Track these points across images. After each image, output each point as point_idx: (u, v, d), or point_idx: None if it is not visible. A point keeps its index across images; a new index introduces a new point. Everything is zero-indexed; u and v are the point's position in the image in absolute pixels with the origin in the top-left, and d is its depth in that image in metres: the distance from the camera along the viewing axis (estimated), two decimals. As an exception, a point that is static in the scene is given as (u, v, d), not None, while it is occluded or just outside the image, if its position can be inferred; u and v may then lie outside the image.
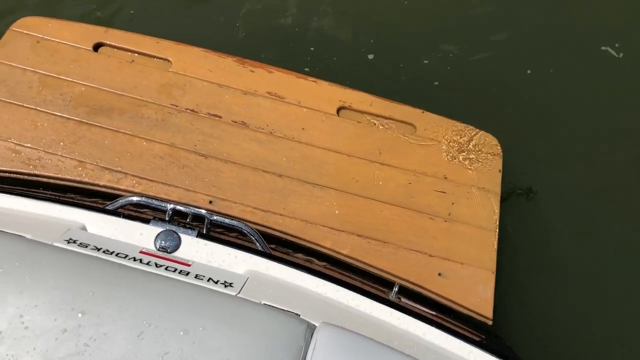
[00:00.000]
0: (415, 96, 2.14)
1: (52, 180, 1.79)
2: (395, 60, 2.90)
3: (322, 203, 1.85)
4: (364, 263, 1.77)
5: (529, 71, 2.92)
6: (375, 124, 2.04)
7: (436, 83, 2.82)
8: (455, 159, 2.01)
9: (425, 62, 2.89)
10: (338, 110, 2.04)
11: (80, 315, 1.08)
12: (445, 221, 1.89)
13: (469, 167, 2.01)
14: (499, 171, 2.04)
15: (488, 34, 3.03)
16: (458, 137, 2.05)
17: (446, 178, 1.97)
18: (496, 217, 1.94)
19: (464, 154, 2.03)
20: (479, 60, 2.94)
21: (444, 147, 2.03)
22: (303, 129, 1.98)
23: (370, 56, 2.89)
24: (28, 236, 1.24)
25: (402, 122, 2.06)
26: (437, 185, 1.95)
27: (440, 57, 2.92)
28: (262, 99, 2.02)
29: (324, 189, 1.88)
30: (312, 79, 2.08)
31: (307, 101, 2.03)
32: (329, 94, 2.06)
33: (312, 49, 2.87)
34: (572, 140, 2.72)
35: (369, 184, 1.91)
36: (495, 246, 1.88)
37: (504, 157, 2.06)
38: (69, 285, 1.11)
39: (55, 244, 1.25)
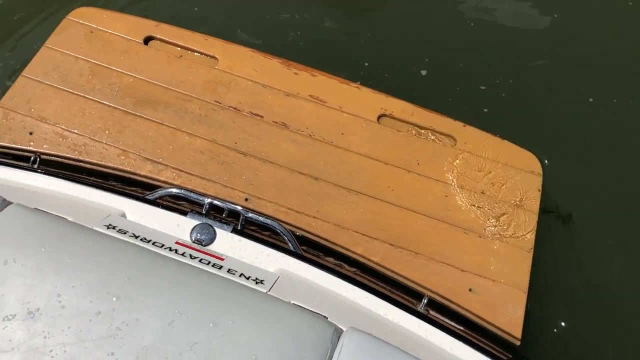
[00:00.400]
0: (462, 118, 2.11)
1: (95, 167, 1.84)
2: (450, 80, 2.88)
3: (356, 209, 1.85)
4: (394, 272, 1.76)
5: (590, 99, 2.86)
6: (415, 134, 2.03)
7: (486, 110, 2.79)
8: (494, 174, 1.99)
9: (482, 87, 2.86)
10: (379, 118, 2.04)
11: (114, 299, 1.10)
12: (480, 237, 1.87)
13: (508, 184, 1.98)
14: (538, 190, 2.00)
15: (547, 65, 2.98)
16: (498, 153, 2.03)
17: (484, 193, 1.95)
18: (532, 237, 1.90)
19: (503, 170, 2.00)
20: (535, 89, 2.89)
21: (483, 162, 2.00)
22: (342, 133, 1.98)
23: (424, 72, 2.87)
24: (70, 219, 1.27)
25: (442, 134, 2.05)
26: (474, 200, 1.93)
27: (498, 84, 2.89)
28: (304, 102, 2.03)
29: (359, 195, 1.88)
30: (354, 85, 2.09)
31: (348, 106, 2.04)
32: (370, 100, 2.06)
33: (366, 64, 2.87)
34: (616, 167, 2.66)
35: (404, 193, 1.90)
36: (529, 266, 1.85)
37: (544, 177, 2.03)
38: (106, 269, 1.14)
39: (95, 228, 1.28)
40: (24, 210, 1.23)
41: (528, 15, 3.14)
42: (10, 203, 1.26)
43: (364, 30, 3.01)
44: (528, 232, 1.91)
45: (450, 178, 1.96)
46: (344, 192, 1.87)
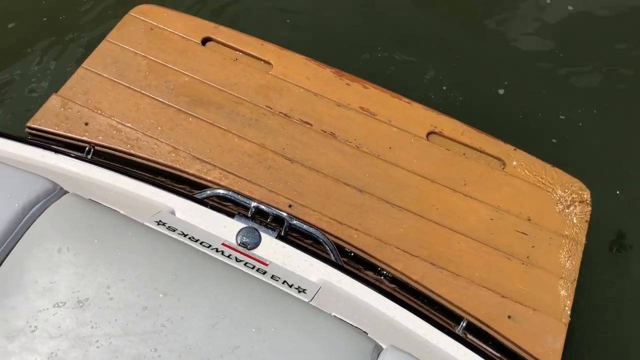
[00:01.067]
0: (530, 145, 2.10)
1: (145, 162, 1.87)
2: (527, 105, 2.84)
3: (399, 225, 1.84)
4: (433, 292, 1.74)
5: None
6: (464, 154, 2.01)
7: (554, 140, 2.75)
8: (542, 201, 1.95)
9: (562, 117, 2.82)
10: (428, 135, 2.02)
11: (161, 295, 1.12)
12: (523, 263, 1.83)
13: (556, 212, 1.94)
14: (586, 221, 1.95)
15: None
16: (548, 180, 1.99)
17: (530, 220, 1.91)
18: (577, 268, 1.86)
19: (552, 198, 1.96)
20: (613, 124, 2.84)
21: (532, 189, 1.97)
22: (390, 147, 1.97)
23: (501, 91, 2.84)
24: (122, 212, 1.30)
25: (492, 156, 2.02)
26: (519, 226, 1.89)
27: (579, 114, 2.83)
28: (354, 113, 2.03)
29: (403, 210, 1.87)
30: (406, 99, 2.08)
31: (398, 121, 2.03)
32: (421, 116, 2.05)
33: (444, 87, 2.86)
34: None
35: (449, 213, 1.88)
36: (572, 297, 1.81)
37: (593, 208, 1.98)
38: (155, 265, 1.16)
39: (146, 223, 1.30)
40: (80, 201, 1.26)
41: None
42: (66, 192, 1.30)
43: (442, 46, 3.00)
44: (573, 263, 1.86)
45: (497, 201, 1.93)
46: (388, 206, 1.86)
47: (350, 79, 2.10)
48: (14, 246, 1.18)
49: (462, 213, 1.89)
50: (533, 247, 1.86)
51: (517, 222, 1.90)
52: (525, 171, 2.00)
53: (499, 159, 2.02)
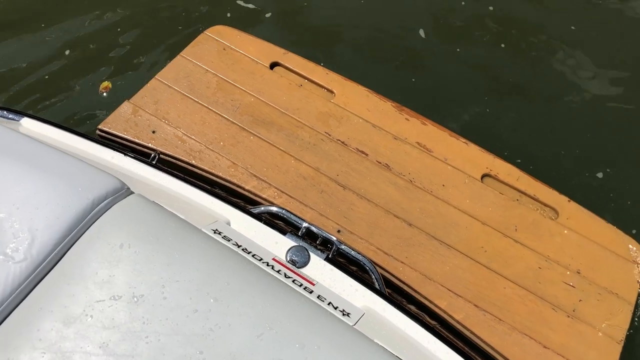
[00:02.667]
0: (586, 199, 2.08)
1: (204, 174, 1.94)
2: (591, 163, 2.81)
3: (446, 262, 1.83)
4: (475, 334, 1.72)
5: None
6: (517, 200, 1.99)
7: (611, 195, 2.70)
8: (593, 256, 1.91)
9: (622, 174, 2.79)
10: (482, 177, 2.02)
11: (212, 300, 1.15)
12: (568, 316, 1.79)
13: (606, 268, 1.89)
14: (638, 282, 1.90)
15: None
16: (601, 236, 1.95)
17: (579, 273, 1.87)
18: (625, 327, 1.80)
19: (603, 253, 1.92)
20: None
21: (584, 242, 1.93)
22: (443, 185, 1.98)
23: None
24: (182, 216, 1.35)
25: (545, 205, 2.00)
26: (567, 278, 1.86)
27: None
28: (410, 147, 2.06)
29: (451, 249, 1.86)
30: (463, 139, 2.09)
31: (454, 160, 2.04)
32: (477, 158, 2.06)
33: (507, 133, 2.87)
34: None
35: (497, 257, 1.87)
36: (617, 358, 1.75)
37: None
38: (209, 271, 1.19)
39: (203, 230, 1.35)
40: (144, 201, 1.32)
41: None
42: (132, 192, 1.36)
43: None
44: (620, 322, 1.81)
45: (547, 250, 1.90)
46: (436, 243, 1.86)
47: (410, 114, 2.13)
48: (79, 237, 1.25)
49: (510, 258, 1.87)
50: (580, 300, 1.82)
51: (566, 274, 1.87)
52: (578, 224, 1.97)
53: (552, 209, 2.00)
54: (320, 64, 2.23)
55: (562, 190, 2.04)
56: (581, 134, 2.90)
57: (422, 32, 3.21)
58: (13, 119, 1.64)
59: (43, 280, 1.19)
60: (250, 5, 3.23)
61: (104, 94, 2.81)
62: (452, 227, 1.90)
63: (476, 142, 2.10)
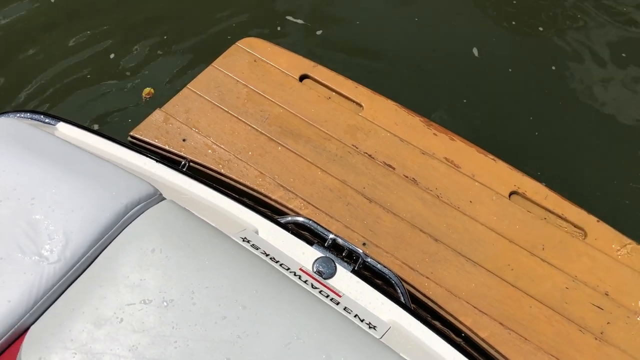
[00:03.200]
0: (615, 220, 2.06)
1: (232, 182, 1.96)
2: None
3: (471, 279, 1.82)
4: (499, 353, 1.70)
5: None
6: (545, 218, 1.97)
7: None
8: (621, 278, 1.88)
9: None
10: (510, 194, 2.01)
11: (241, 308, 1.16)
12: (595, 339, 1.76)
13: (636, 291, 1.86)
14: (668, 306, 1.87)
15: None
16: (631, 258, 1.92)
17: (607, 295, 1.84)
18: (654, 353, 1.77)
19: (633, 276, 1.89)
20: None
21: (612, 264, 1.90)
22: (471, 202, 1.97)
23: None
24: (212, 224, 1.36)
25: (573, 224, 1.97)
26: (595, 299, 1.83)
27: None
28: (438, 163, 2.05)
29: (477, 266, 1.85)
30: (491, 156, 2.08)
31: (482, 176, 2.03)
32: (505, 175, 2.04)
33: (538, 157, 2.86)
34: None
35: (523, 275, 1.85)
36: (645, 383, 1.72)
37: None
38: (238, 278, 1.20)
39: (233, 238, 1.36)
40: (176, 207, 1.34)
41: None
42: (164, 198, 1.38)
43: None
44: (650, 348, 1.77)
45: (574, 271, 1.88)
46: (462, 259, 1.85)
47: (438, 129, 2.13)
48: (112, 240, 1.27)
49: (537, 277, 1.85)
50: (608, 323, 1.79)
51: (594, 295, 1.84)
52: (607, 245, 1.94)
53: (580, 229, 1.97)
54: (349, 78, 2.25)
55: (590, 210, 2.01)
56: (616, 154, 2.88)
57: (475, 51, 3.20)
58: (50, 123, 1.68)
59: (76, 282, 1.21)
60: (300, 21, 3.27)
61: (147, 99, 2.87)
62: (478, 244, 1.89)
63: (507, 159, 2.09)
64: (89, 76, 2.96)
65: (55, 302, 1.18)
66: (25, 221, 1.24)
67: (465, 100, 3.02)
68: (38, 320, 1.16)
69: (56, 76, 2.94)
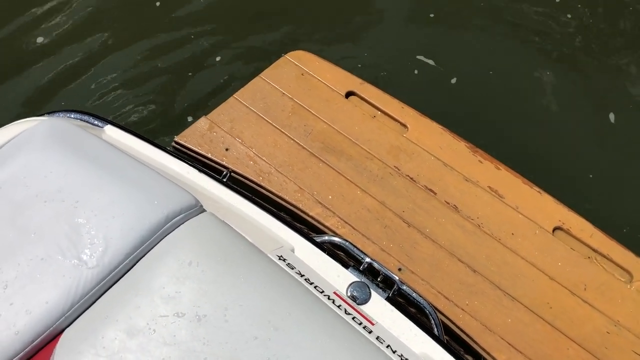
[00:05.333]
0: None
1: (271, 195, 1.95)
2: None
3: (508, 315, 1.76)
4: (533, 395, 1.64)
5: None
6: (589, 257, 1.90)
7: None
8: None
9: None
10: (554, 230, 1.94)
11: (273, 329, 1.15)
12: (635, 389, 1.68)
13: (683, 343, 1.78)
14: None
15: None
16: (679, 306, 1.83)
17: (651, 343, 1.76)
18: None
19: None
20: None
21: (659, 310, 1.82)
22: (512, 234, 1.92)
23: None
24: (249, 239, 1.36)
25: (619, 266, 1.90)
26: (638, 347, 1.75)
27: None
28: (481, 191, 2.00)
29: (514, 301, 1.79)
30: (537, 188, 2.02)
31: (526, 209, 1.97)
32: (550, 209, 1.98)
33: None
34: None
35: (563, 315, 1.78)
36: None
37: None
38: (273, 298, 1.19)
39: (269, 255, 1.35)
40: (215, 220, 1.34)
41: None
42: (204, 210, 1.38)
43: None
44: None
45: (617, 315, 1.80)
46: (499, 293, 1.80)
47: (484, 157, 2.08)
48: (150, 249, 1.27)
49: (577, 318, 1.78)
50: (651, 374, 1.71)
51: (637, 343, 1.76)
52: (655, 290, 1.86)
53: (626, 271, 1.89)
54: (396, 97, 2.22)
55: (638, 253, 1.93)
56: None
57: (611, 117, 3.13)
58: (97, 126, 1.71)
59: (112, 289, 1.22)
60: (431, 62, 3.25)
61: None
62: (517, 279, 1.83)
63: (554, 194, 2.03)
64: (135, 79, 3.01)
65: (91, 308, 1.19)
66: (68, 224, 1.25)
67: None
68: (72, 324, 1.17)
69: (105, 77, 3.01)
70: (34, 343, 1.13)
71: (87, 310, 1.19)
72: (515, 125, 3.00)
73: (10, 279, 1.18)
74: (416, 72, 3.17)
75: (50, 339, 1.15)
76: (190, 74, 3.07)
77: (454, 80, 3.14)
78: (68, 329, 1.16)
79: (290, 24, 3.31)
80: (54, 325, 1.15)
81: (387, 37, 3.31)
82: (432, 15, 3.41)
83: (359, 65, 3.16)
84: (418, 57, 3.22)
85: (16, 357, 1.12)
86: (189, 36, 3.22)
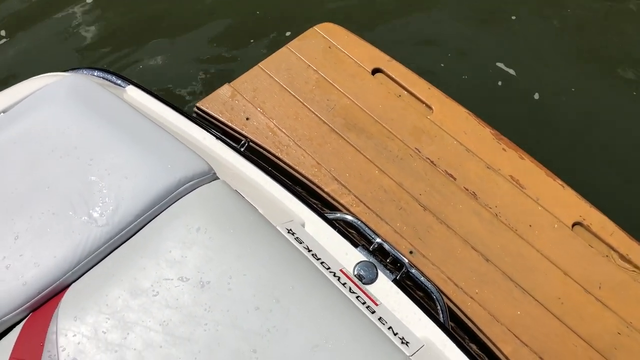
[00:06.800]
0: None
1: (288, 168, 1.94)
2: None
3: (517, 307, 1.74)
4: (535, 389, 1.62)
5: None
6: (607, 256, 1.86)
7: None
8: None
9: None
10: (573, 224, 1.90)
11: (274, 301, 1.14)
12: (642, 393, 1.65)
13: (696, 350, 1.73)
14: None
15: None
16: (696, 313, 1.78)
17: (663, 348, 1.72)
18: None
19: None
20: None
21: (675, 315, 1.77)
22: (530, 226, 1.88)
23: None
24: (260, 210, 1.35)
25: (637, 267, 1.85)
26: (649, 351, 1.71)
27: None
28: (502, 180, 1.96)
29: (525, 294, 1.76)
30: (560, 181, 1.97)
31: (546, 201, 1.92)
32: (571, 203, 1.93)
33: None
34: None
35: (573, 312, 1.75)
36: None
37: None
38: (277, 271, 1.19)
39: (278, 227, 1.34)
40: (227, 189, 1.33)
41: None
42: (217, 178, 1.38)
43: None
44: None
45: (630, 316, 1.76)
46: (511, 285, 1.77)
47: (508, 145, 2.03)
48: (160, 213, 1.28)
49: (587, 316, 1.75)
50: (659, 379, 1.68)
51: None
52: (673, 295, 1.81)
53: (645, 273, 1.85)
54: (423, 78, 2.17)
55: (659, 255, 1.88)
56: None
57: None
58: (120, 85, 1.71)
59: (119, 249, 1.23)
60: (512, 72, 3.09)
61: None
62: (531, 272, 1.80)
63: (575, 187, 1.97)
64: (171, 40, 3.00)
65: (97, 265, 1.21)
66: (81, 181, 1.26)
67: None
68: (78, 280, 1.18)
69: (137, 38, 3.00)
70: (40, 295, 1.15)
71: (94, 268, 1.20)
72: (595, 157, 2.81)
73: (21, 231, 1.20)
74: (500, 83, 2.99)
75: (56, 293, 1.17)
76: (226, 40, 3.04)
77: (536, 96, 2.96)
78: (74, 284, 1.18)
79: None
80: (61, 280, 1.17)
81: (467, 38, 3.14)
82: (514, 17, 3.24)
83: (442, 65, 3.02)
84: (498, 64, 3.05)
85: (22, 307, 1.14)
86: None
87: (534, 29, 3.20)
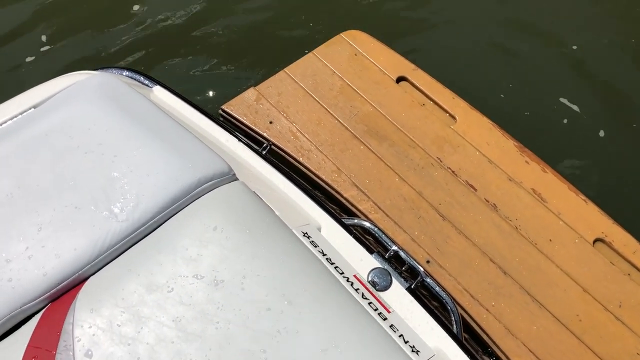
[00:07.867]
0: None
1: (308, 173, 1.96)
2: None
3: (534, 322, 1.72)
4: (548, 406, 1.60)
5: None
6: (629, 274, 1.82)
7: None
8: None
9: None
10: (595, 241, 1.87)
11: (286, 303, 1.16)
12: (659, 416, 1.62)
13: None
14: None
15: None
16: None
17: (683, 372, 1.68)
18: None
19: None
20: None
21: (697, 338, 1.73)
22: (550, 240, 1.86)
23: None
24: (277, 213, 1.37)
25: None
26: (669, 374, 1.68)
27: None
28: (524, 193, 1.94)
29: (542, 309, 1.74)
30: (583, 196, 1.95)
31: (568, 216, 1.90)
32: (593, 219, 1.90)
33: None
34: None
35: (592, 330, 1.72)
36: None
37: None
38: (291, 273, 1.20)
39: (294, 230, 1.36)
40: (246, 190, 1.35)
41: None
42: (236, 179, 1.40)
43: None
44: None
45: None
46: (527, 299, 1.75)
47: (531, 157, 2.01)
48: (178, 211, 1.30)
49: (607, 335, 1.72)
50: (679, 403, 1.64)
51: None
52: (696, 317, 1.77)
53: (668, 294, 1.81)
54: (447, 86, 2.17)
55: (684, 277, 1.83)
56: None
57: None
58: (147, 85, 1.75)
59: (137, 244, 1.25)
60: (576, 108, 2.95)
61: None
62: (549, 287, 1.78)
63: (599, 203, 1.94)
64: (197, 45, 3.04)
65: (116, 260, 1.23)
66: (104, 176, 1.30)
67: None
68: (97, 274, 1.21)
69: (162, 40, 3.05)
70: (60, 286, 1.18)
71: (112, 262, 1.23)
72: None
73: (45, 222, 1.24)
74: (565, 121, 2.82)
75: (74, 285, 1.20)
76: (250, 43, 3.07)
77: (602, 133, 2.80)
78: (92, 277, 1.21)
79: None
80: (80, 272, 1.20)
81: (530, 73, 3.03)
82: (575, 48, 3.10)
83: (502, 95, 2.89)
84: (562, 99, 2.91)
85: (42, 297, 1.18)
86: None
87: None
